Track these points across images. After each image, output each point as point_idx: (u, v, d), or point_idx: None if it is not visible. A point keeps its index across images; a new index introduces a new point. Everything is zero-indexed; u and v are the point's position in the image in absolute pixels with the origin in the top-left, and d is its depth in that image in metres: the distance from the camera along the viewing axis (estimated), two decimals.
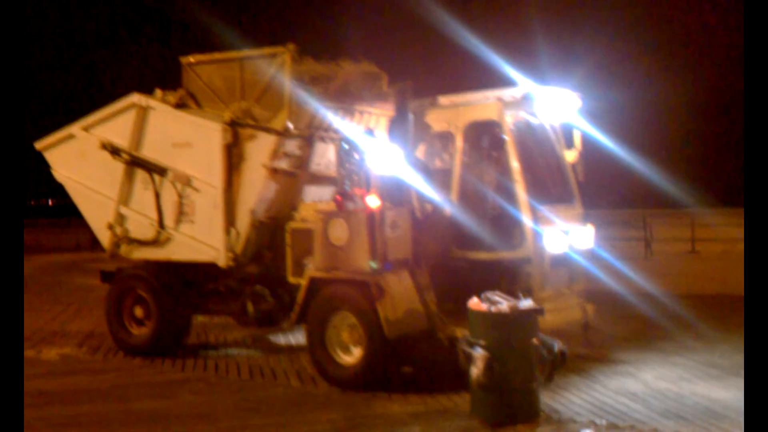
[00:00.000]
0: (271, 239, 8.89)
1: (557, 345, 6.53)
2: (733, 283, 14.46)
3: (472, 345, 6.42)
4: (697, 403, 6.97)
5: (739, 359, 8.32)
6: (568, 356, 6.67)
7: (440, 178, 8.08)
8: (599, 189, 8.48)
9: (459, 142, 8.03)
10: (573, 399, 7.17)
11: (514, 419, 6.35)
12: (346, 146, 8.35)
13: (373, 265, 7.39)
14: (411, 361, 8.03)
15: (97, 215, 9.70)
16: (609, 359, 8.61)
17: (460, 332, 7.25)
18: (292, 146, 8.52)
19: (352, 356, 7.68)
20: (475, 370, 6.29)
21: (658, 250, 20.90)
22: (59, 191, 10.35)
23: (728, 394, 7.19)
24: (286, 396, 7.58)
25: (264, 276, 9.10)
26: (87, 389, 7.98)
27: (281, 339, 10.26)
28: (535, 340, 6.45)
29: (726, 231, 21.97)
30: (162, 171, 9.07)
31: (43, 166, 10.12)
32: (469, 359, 6.37)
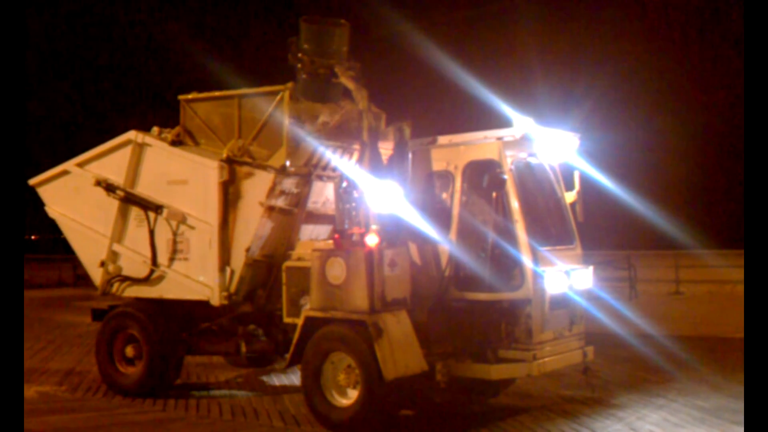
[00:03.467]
0: (266, 278, 8.79)
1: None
2: (719, 324, 14.50)
3: None
4: None
5: (723, 402, 8.41)
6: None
7: (439, 217, 8.02)
8: (591, 229, 8.44)
9: (458, 181, 7.99)
10: None
11: None
12: (345, 185, 8.28)
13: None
14: (408, 404, 7.87)
15: (90, 252, 9.60)
16: (596, 401, 8.54)
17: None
18: (289, 184, 8.46)
19: (348, 398, 7.52)
20: None
21: (642, 291, 20.86)
22: (42, 226, 10.28)
23: None
24: None
25: (258, 315, 8.98)
26: (66, 428, 7.82)
27: (265, 379, 10.12)
28: None
29: (710, 272, 21.99)
30: (157, 208, 8.99)
31: (29, 202, 10.01)
32: None
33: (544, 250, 7.76)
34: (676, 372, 9.90)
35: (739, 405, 8.05)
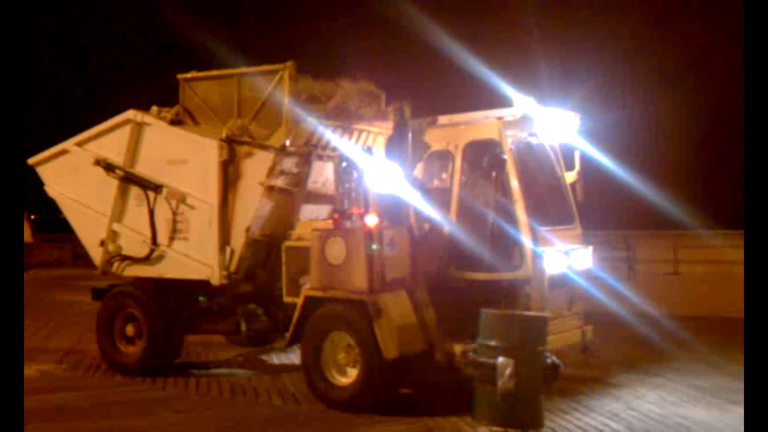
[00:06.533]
0: (266, 258, 8.81)
1: (550, 358, 6.47)
2: (716, 304, 14.53)
3: (491, 355, 6.35)
4: (679, 424, 6.99)
5: (720, 381, 8.48)
6: (561, 370, 6.58)
7: (439, 197, 8.02)
8: (591, 209, 8.51)
9: (458, 161, 7.98)
10: (556, 419, 7.12)
11: (519, 424, 6.29)
12: (344, 164, 8.28)
13: (374, 246, 7.31)
14: (407, 383, 7.92)
15: (90, 232, 9.60)
16: (594, 380, 8.59)
17: (458, 348, 7.21)
18: (289, 164, 8.45)
19: (347, 377, 7.58)
20: (502, 379, 6.23)
21: (640, 270, 20.88)
22: (42, 206, 10.24)
23: (709, 415, 7.25)
24: (268, 415, 7.52)
25: (258, 295, 9.01)
26: (66, 407, 7.86)
27: (264, 358, 10.17)
28: (541, 348, 6.41)
29: (709, 252, 22.01)
30: (157, 188, 8.98)
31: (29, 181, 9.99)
32: (491, 369, 6.27)
33: (544, 230, 7.77)
34: (673, 351, 9.96)
35: (737, 384, 8.10)
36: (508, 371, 6.22)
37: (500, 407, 6.33)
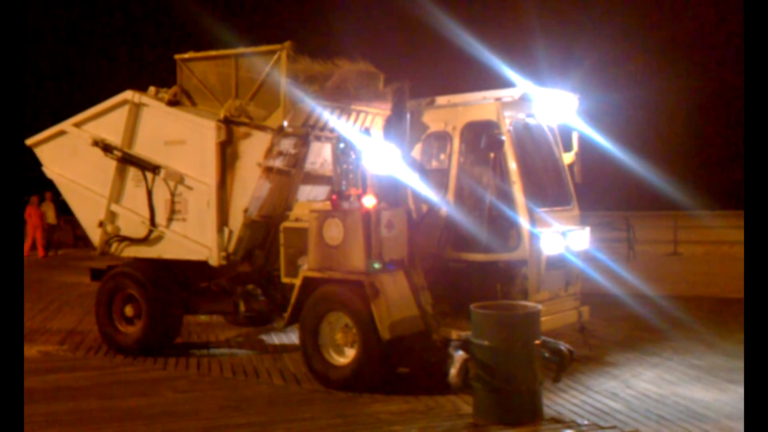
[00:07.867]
0: (264, 238, 8.83)
1: (563, 346, 6.47)
2: (716, 285, 14.59)
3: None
4: (678, 403, 7.02)
5: (718, 360, 8.51)
6: (575, 356, 6.59)
7: (437, 178, 8.02)
8: (589, 190, 8.52)
9: (456, 142, 7.98)
10: (553, 398, 7.16)
11: (517, 421, 6.28)
12: (342, 145, 8.27)
13: (376, 265, 7.33)
14: (405, 363, 7.96)
15: (88, 212, 9.62)
16: (592, 359, 8.62)
17: (455, 334, 7.21)
18: (287, 145, 8.44)
19: (345, 357, 7.61)
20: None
21: (640, 251, 20.92)
22: (40, 187, 10.22)
23: (707, 394, 7.27)
24: (269, 394, 7.55)
25: (256, 275, 9.03)
26: (68, 387, 7.91)
27: (265, 338, 10.22)
28: (537, 342, 6.40)
29: (708, 233, 22.04)
30: (155, 168, 8.98)
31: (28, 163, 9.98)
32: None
33: (541, 211, 7.78)
34: (671, 331, 9.99)
35: (735, 363, 8.15)
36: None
37: (494, 403, 6.32)
